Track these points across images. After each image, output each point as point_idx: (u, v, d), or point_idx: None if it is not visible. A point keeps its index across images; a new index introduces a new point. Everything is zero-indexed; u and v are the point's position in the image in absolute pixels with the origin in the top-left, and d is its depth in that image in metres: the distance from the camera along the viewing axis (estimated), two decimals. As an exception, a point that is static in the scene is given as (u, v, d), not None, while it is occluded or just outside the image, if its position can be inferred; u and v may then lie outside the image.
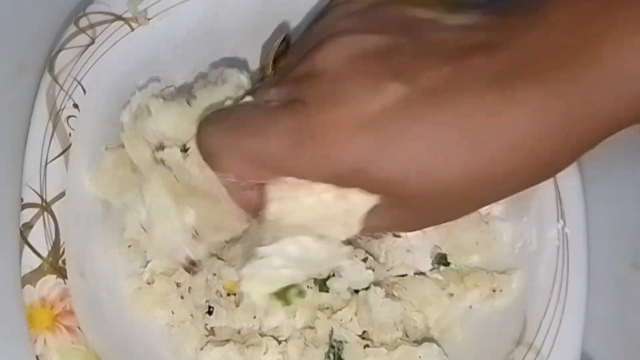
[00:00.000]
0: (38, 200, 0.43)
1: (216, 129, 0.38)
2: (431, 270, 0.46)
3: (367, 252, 0.46)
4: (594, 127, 0.34)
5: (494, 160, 0.34)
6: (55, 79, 0.46)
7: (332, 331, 0.44)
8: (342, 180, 0.36)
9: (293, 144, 0.35)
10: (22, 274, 0.42)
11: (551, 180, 0.45)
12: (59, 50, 0.46)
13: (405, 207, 0.36)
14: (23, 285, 0.42)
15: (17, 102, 0.49)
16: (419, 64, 0.34)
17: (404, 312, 0.45)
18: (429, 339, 0.45)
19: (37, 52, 0.50)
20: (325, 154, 0.35)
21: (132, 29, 0.47)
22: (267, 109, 0.36)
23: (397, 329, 0.44)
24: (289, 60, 0.39)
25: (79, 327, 0.42)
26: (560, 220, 0.45)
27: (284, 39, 0.42)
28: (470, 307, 0.46)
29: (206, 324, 0.45)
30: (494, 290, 0.45)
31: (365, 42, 0.35)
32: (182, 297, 0.45)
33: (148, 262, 0.45)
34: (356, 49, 0.35)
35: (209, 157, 0.38)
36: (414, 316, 0.45)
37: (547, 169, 0.36)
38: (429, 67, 0.34)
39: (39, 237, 0.43)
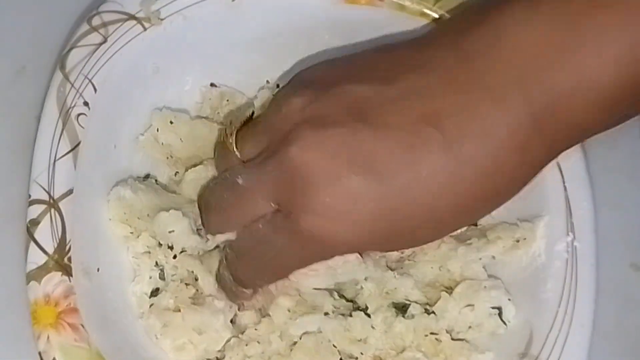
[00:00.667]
0: (46, 197, 0.43)
1: (235, 271, 0.43)
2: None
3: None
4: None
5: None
6: (66, 77, 0.45)
7: None
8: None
9: (299, 255, 0.42)
10: (28, 270, 0.42)
11: (562, 192, 0.45)
12: (71, 48, 0.46)
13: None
14: (28, 282, 0.42)
15: (18, 101, 0.49)
16: (375, 151, 0.38)
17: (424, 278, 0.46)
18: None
19: (38, 51, 0.50)
20: (325, 249, 0.41)
21: (145, 29, 0.47)
22: (262, 234, 0.41)
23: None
24: (255, 140, 0.42)
25: (82, 325, 0.41)
26: (570, 234, 0.45)
27: (251, 115, 0.44)
28: (494, 257, 0.46)
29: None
30: (518, 241, 0.45)
31: (326, 138, 0.39)
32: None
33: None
34: (319, 148, 0.39)
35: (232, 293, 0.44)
36: (438, 277, 0.46)
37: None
38: (383, 152, 0.38)
39: (45, 234, 0.42)
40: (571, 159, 0.45)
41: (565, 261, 0.44)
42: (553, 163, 0.44)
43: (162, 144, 0.48)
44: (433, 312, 0.45)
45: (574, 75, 0.37)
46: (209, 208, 0.44)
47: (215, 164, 0.46)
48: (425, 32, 0.46)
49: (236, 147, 0.42)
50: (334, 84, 0.40)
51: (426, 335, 0.44)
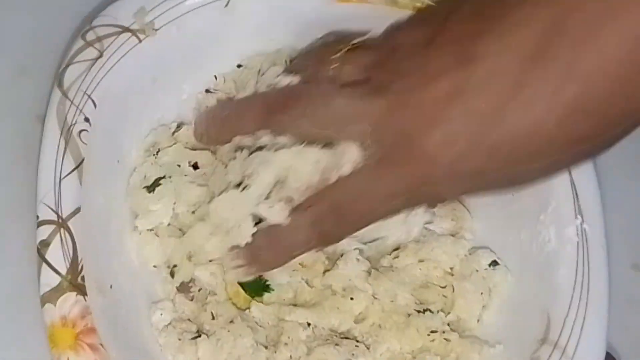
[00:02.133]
0: (54, 217, 0.43)
1: None
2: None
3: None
4: None
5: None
6: (65, 94, 0.45)
7: None
8: None
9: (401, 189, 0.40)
10: (42, 293, 0.41)
11: (567, 177, 0.45)
12: (67, 65, 0.46)
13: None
14: (43, 304, 0.41)
15: (18, 101, 0.49)
16: (483, 97, 0.37)
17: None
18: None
19: (38, 51, 0.50)
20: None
21: (140, 41, 0.47)
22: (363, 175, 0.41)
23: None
24: (361, 60, 0.42)
25: (101, 345, 0.41)
26: (578, 217, 0.45)
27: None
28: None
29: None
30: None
31: (437, 89, 0.38)
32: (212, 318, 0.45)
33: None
34: (431, 99, 0.38)
35: None
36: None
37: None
38: (491, 96, 0.37)
39: (56, 255, 0.42)
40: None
41: (576, 244, 0.45)
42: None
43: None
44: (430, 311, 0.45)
45: None
46: (297, 97, 0.43)
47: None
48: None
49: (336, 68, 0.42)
50: (446, 21, 0.40)
51: (430, 335, 0.44)
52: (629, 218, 0.50)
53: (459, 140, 0.38)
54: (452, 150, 0.38)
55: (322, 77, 0.42)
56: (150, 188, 0.46)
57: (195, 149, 0.48)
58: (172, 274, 0.46)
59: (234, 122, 0.44)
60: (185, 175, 0.46)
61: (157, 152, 0.48)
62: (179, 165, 0.47)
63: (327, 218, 0.42)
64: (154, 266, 0.46)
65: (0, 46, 0.51)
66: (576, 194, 0.45)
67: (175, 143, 0.48)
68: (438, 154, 0.38)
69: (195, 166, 0.47)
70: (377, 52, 0.42)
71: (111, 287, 0.43)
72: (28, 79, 0.50)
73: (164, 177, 0.46)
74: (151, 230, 0.46)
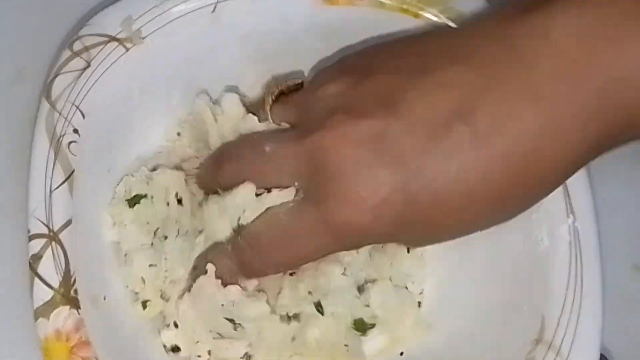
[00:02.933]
0: (45, 230, 0.42)
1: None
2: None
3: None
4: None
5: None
6: (53, 106, 0.45)
7: None
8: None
9: (318, 242, 0.41)
10: (35, 307, 0.41)
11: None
12: (55, 76, 0.45)
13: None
14: (36, 319, 0.41)
15: (17, 102, 0.49)
16: (405, 145, 0.38)
17: None
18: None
19: (37, 52, 0.50)
20: (347, 238, 0.41)
21: (127, 49, 0.46)
22: (281, 219, 0.41)
23: None
24: (288, 110, 0.44)
25: (96, 358, 0.41)
26: (570, 215, 0.45)
27: (300, 83, 0.45)
28: None
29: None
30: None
31: (359, 130, 0.39)
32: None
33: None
34: (351, 138, 0.39)
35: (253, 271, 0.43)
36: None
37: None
38: (413, 146, 0.38)
39: (49, 268, 0.42)
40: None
41: (568, 243, 0.45)
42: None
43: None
44: None
45: (628, 62, 0.37)
46: (229, 158, 0.44)
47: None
48: (467, 21, 0.46)
49: (270, 110, 0.43)
50: (371, 73, 0.40)
51: None
52: (628, 218, 0.50)
53: (381, 187, 0.38)
54: (374, 195, 0.38)
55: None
56: (131, 203, 0.46)
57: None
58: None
59: (202, 174, 0.47)
60: (168, 203, 0.46)
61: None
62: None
63: (246, 249, 0.42)
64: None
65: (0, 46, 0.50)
66: (567, 193, 0.45)
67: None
68: (359, 198, 0.39)
69: (180, 201, 0.47)
70: (305, 95, 0.43)
71: (104, 298, 0.43)
72: (27, 81, 0.49)
73: (145, 195, 0.46)
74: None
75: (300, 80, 0.45)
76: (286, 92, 0.44)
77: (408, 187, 0.38)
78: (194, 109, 0.49)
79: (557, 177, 0.40)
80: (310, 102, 0.42)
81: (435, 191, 0.38)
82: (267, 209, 0.42)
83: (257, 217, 0.42)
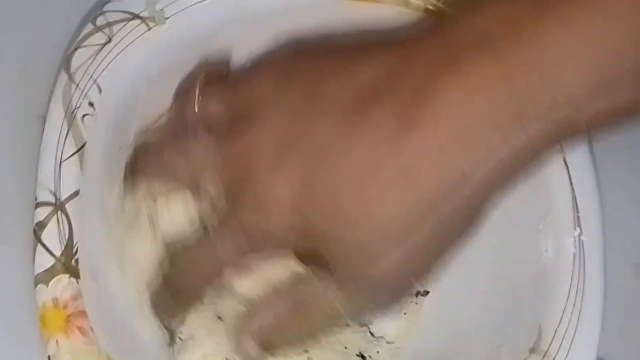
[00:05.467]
0: (52, 199, 0.43)
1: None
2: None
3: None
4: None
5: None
6: (71, 78, 0.45)
7: None
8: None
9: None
10: (35, 273, 0.42)
11: (568, 187, 0.45)
12: (76, 49, 0.46)
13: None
14: (36, 285, 0.41)
15: (19, 101, 0.49)
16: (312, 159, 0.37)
17: None
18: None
19: (39, 51, 0.50)
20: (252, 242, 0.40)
21: (149, 28, 0.47)
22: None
23: None
24: (218, 102, 0.43)
25: (91, 329, 0.41)
26: (577, 228, 0.45)
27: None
28: None
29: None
30: None
31: (267, 140, 0.39)
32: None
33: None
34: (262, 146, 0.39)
35: None
36: None
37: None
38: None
39: (52, 237, 0.42)
40: (577, 152, 0.45)
41: (572, 256, 0.44)
42: (559, 158, 0.44)
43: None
44: None
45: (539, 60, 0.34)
46: (150, 154, 0.44)
47: (171, 109, 0.46)
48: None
49: (198, 99, 0.43)
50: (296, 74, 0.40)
51: None
52: (629, 218, 0.49)
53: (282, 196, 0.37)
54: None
55: (186, 117, 0.43)
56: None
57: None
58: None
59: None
60: None
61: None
62: None
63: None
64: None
65: (1, 46, 0.51)
66: (576, 205, 0.45)
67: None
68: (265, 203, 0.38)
69: None
70: (230, 91, 0.42)
71: (105, 273, 0.44)
72: (29, 80, 0.50)
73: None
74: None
75: (227, 70, 0.45)
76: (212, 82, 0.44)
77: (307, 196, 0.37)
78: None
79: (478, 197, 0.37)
80: (235, 102, 0.41)
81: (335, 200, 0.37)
82: None
83: None
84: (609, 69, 0.33)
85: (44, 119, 0.45)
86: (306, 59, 0.42)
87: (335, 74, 0.39)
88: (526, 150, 0.35)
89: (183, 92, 0.46)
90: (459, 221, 0.37)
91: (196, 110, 0.43)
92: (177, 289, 0.43)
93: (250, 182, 0.38)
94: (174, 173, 0.42)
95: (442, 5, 0.48)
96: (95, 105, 0.45)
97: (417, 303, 0.48)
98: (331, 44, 0.45)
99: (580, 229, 0.45)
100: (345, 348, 0.45)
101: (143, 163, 0.44)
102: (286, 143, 0.38)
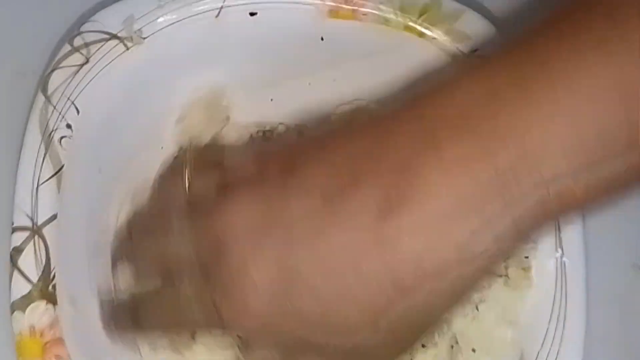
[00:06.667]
0: (29, 224, 0.42)
1: None
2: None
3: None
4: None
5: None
6: (48, 99, 0.45)
7: None
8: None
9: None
10: (12, 300, 0.41)
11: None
12: (53, 70, 0.45)
13: None
14: (12, 312, 0.41)
15: (17, 102, 0.48)
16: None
17: None
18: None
19: (37, 52, 0.49)
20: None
21: (127, 48, 0.46)
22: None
23: None
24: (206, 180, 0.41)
25: (69, 356, 0.41)
26: (559, 250, 0.45)
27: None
28: None
29: None
30: None
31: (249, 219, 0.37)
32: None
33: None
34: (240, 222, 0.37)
35: None
36: None
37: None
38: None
39: (29, 262, 0.42)
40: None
41: (554, 278, 0.44)
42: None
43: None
44: None
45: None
46: (140, 231, 0.44)
47: (159, 183, 0.45)
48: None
49: (188, 177, 0.42)
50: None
51: None
52: (628, 218, 0.49)
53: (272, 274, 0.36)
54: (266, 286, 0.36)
55: (176, 196, 0.42)
56: None
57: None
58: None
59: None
60: None
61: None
62: None
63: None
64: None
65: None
66: (558, 226, 0.45)
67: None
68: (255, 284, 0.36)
69: None
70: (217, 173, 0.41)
71: (83, 298, 0.43)
72: (27, 80, 0.49)
73: None
74: None
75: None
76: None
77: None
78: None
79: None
80: (216, 181, 0.40)
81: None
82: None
83: None
84: (596, 142, 0.32)
85: (20, 140, 0.45)
86: (281, 143, 0.43)
87: (312, 156, 0.38)
88: (511, 232, 0.34)
89: (169, 177, 0.45)
90: (444, 299, 0.36)
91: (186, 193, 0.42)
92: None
93: (225, 265, 0.37)
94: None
95: (422, 23, 0.48)
96: (73, 127, 0.45)
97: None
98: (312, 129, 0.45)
99: (562, 250, 0.45)
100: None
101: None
102: (263, 227, 0.37)
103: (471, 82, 0.35)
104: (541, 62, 0.33)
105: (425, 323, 0.37)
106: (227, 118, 0.49)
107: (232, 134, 0.49)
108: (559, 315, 0.44)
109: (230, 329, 0.38)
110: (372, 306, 0.35)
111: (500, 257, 0.36)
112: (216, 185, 0.40)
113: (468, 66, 0.36)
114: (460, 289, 0.36)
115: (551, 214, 0.34)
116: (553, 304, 0.44)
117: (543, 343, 0.43)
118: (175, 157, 0.47)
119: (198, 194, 0.41)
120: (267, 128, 0.49)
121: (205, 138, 0.49)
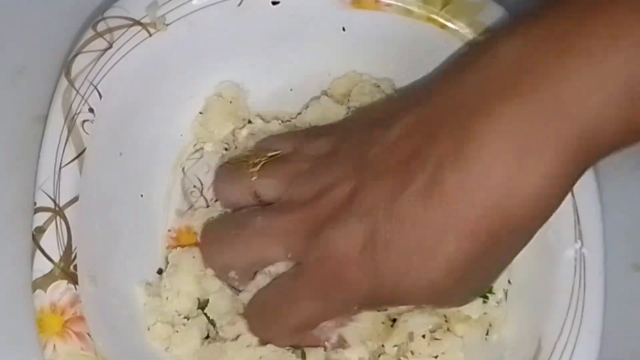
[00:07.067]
0: (51, 205, 0.43)
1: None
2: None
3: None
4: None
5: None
6: (71, 83, 0.45)
7: None
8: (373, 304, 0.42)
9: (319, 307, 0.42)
10: (33, 279, 0.42)
11: (570, 200, 0.45)
12: (76, 54, 0.46)
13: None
14: (34, 290, 0.41)
15: (18, 101, 0.49)
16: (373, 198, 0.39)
17: None
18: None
19: (38, 51, 0.50)
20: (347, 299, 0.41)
21: (150, 35, 0.47)
22: (286, 292, 0.42)
23: None
24: (278, 181, 0.44)
25: (88, 334, 0.41)
26: (578, 241, 0.44)
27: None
28: None
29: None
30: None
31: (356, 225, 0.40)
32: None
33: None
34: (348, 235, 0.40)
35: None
36: None
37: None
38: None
39: (51, 242, 0.42)
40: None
41: (573, 268, 0.44)
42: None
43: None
44: None
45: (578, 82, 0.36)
46: (217, 241, 0.45)
47: (220, 188, 0.47)
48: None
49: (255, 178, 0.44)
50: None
51: None
52: (629, 218, 0.49)
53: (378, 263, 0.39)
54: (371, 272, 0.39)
55: (243, 195, 0.45)
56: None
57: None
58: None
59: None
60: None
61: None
62: None
63: (253, 314, 0.44)
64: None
65: (0, 46, 0.51)
66: (578, 218, 0.45)
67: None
68: (359, 275, 0.40)
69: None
70: (292, 165, 0.44)
71: (104, 277, 0.44)
72: (27, 79, 0.50)
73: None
74: None
75: (278, 151, 0.45)
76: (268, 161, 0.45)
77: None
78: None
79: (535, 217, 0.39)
80: (299, 170, 0.43)
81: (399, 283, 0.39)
82: (272, 280, 0.43)
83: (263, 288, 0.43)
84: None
85: (43, 122, 0.45)
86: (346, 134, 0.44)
87: (376, 141, 0.41)
88: (563, 175, 0.37)
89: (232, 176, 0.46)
90: (510, 249, 0.40)
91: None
92: None
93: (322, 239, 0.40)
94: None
95: (444, 15, 0.48)
96: (95, 111, 0.45)
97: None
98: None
99: (582, 241, 0.44)
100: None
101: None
102: (345, 207, 0.40)
103: (510, 45, 0.38)
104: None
105: (499, 269, 0.41)
106: (248, 120, 0.50)
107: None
108: (577, 305, 0.43)
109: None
110: (452, 261, 0.38)
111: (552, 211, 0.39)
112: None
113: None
114: (526, 236, 0.40)
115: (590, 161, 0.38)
116: (572, 294, 0.43)
117: (561, 334, 0.43)
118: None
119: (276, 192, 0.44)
120: (287, 118, 0.50)
121: (223, 133, 0.49)
